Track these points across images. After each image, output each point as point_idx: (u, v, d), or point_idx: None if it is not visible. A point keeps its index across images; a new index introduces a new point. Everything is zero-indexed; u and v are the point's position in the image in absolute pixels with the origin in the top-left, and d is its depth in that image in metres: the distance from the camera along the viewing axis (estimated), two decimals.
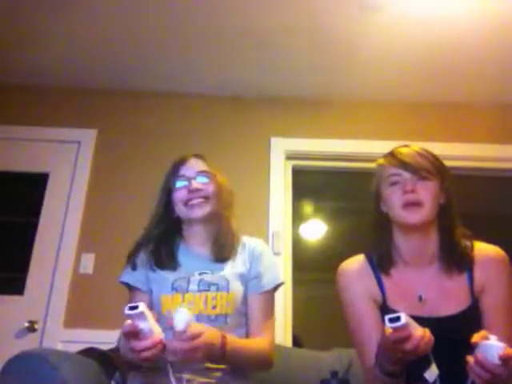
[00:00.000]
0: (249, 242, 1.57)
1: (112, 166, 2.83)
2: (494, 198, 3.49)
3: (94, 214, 2.71)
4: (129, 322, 1.11)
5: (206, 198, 1.52)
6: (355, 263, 1.43)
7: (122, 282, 1.52)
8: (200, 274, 1.46)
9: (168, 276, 1.46)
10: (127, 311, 1.10)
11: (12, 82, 2.94)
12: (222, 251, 1.50)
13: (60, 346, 2.31)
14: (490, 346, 0.99)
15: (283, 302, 2.52)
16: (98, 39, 2.62)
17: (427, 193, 1.32)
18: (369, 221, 1.45)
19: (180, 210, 1.53)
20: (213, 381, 1.31)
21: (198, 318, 1.37)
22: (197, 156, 1.61)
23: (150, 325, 1.12)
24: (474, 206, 2.70)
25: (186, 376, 1.26)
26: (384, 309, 1.33)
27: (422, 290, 1.32)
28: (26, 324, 2.44)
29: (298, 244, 3.22)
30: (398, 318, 1.00)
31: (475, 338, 1.01)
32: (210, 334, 1.19)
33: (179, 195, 1.53)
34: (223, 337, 1.25)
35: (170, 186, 1.57)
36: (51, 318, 2.46)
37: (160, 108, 3.00)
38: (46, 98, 2.97)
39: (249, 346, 1.38)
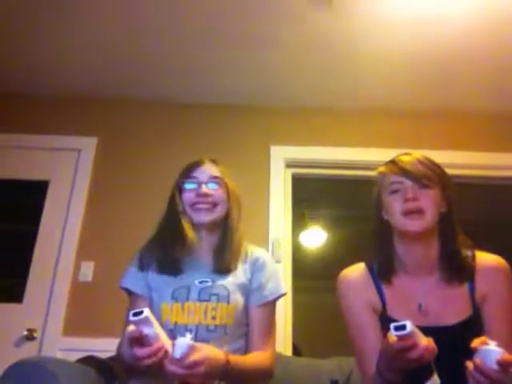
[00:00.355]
0: (251, 252, 1.55)
1: (112, 174, 2.83)
2: (494, 205, 3.49)
3: (94, 222, 2.70)
4: (132, 327, 1.10)
5: (214, 204, 1.51)
6: (355, 271, 1.43)
7: (122, 288, 1.51)
8: (201, 283, 1.45)
9: (168, 283, 1.45)
10: (132, 317, 1.09)
11: (12, 90, 2.95)
12: (225, 262, 1.48)
13: (59, 355, 2.30)
14: (488, 351, 0.99)
15: (283, 310, 2.51)
16: (98, 47, 2.63)
17: (429, 201, 1.31)
18: (369, 228, 1.44)
19: (188, 212, 1.52)
20: None
21: (198, 328, 1.37)
22: (212, 161, 1.59)
23: (154, 330, 1.11)
24: (473, 214, 2.70)
25: None
26: (384, 317, 1.32)
27: (423, 299, 1.31)
28: (25, 332, 2.43)
29: (297, 252, 3.22)
30: (403, 327, 1.00)
31: (475, 343, 1.01)
32: (212, 360, 1.17)
33: (187, 197, 1.52)
34: (227, 362, 1.23)
35: (180, 186, 1.55)
36: (50, 326, 2.45)
37: (160, 116, 3.01)
38: (46, 106, 2.98)
39: (251, 364, 1.36)
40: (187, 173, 1.56)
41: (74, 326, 2.46)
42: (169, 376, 1.11)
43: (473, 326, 1.25)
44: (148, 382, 1.31)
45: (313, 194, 3.56)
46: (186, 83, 2.90)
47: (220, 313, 1.40)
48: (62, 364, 1.37)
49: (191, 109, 3.01)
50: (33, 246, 2.64)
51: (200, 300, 1.41)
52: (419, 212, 1.31)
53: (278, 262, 2.57)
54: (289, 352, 2.49)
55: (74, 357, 1.56)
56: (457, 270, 1.31)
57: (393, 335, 1.02)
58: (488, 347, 0.99)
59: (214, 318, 1.39)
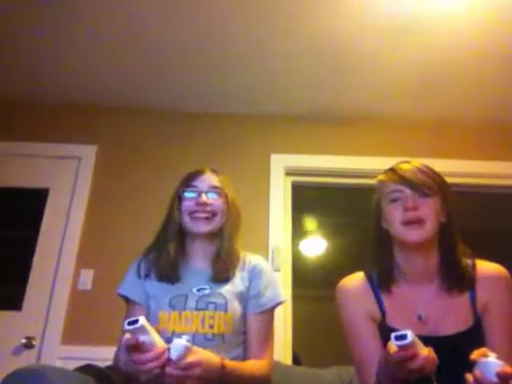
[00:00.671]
0: (249, 260, 1.55)
1: (112, 182, 2.83)
2: (494, 214, 3.49)
3: (94, 230, 2.70)
4: (128, 335, 1.10)
5: (213, 214, 1.51)
6: (354, 280, 1.42)
7: (120, 295, 1.51)
8: (198, 291, 1.44)
9: (165, 291, 1.45)
10: (126, 327, 1.09)
11: (12, 98, 2.96)
12: (223, 272, 1.48)
13: (58, 363, 2.28)
14: (488, 363, 0.98)
15: (283, 318, 2.50)
16: (98, 56, 2.64)
17: (428, 210, 1.30)
18: (369, 237, 1.43)
19: (185, 222, 1.52)
20: None
21: (195, 336, 1.36)
22: (213, 171, 1.60)
23: (151, 337, 1.11)
24: (473, 223, 2.70)
25: None
26: (383, 327, 1.32)
27: (422, 308, 1.31)
28: (24, 340, 2.42)
29: (297, 260, 3.21)
30: (404, 336, 0.99)
31: (474, 354, 1.01)
32: (207, 363, 1.17)
33: (186, 205, 1.52)
34: (222, 366, 1.23)
35: (180, 194, 1.55)
36: (49, 335, 2.44)
37: (160, 125, 3.01)
38: (46, 113, 2.99)
39: (248, 371, 1.35)
40: (187, 181, 1.56)
41: (73, 334, 2.45)
42: (165, 378, 1.11)
43: (473, 336, 1.25)
44: None
45: (313, 202, 3.56)
46: (187, 91, 2.90)
47: (218, 321, 1.39)
48: (60, 372, 1.36)
49: (192, 117, 3.02)
50: (32, 253, 2.64)
51: (197, 308, 1.41)
52: (419, 222, 1.30)
53: (277, 270, 2.57)
54: (288, 361, 2.48)
55: (72, 365, 1.55)
56: (457, 279, 1.30)
57: (393, 345, 1.01)
58: (488, 359, 0.98)
59: (211, 326, 1.39)
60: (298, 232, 3.18)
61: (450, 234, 1.34)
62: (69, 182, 2.81)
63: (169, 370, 1.10)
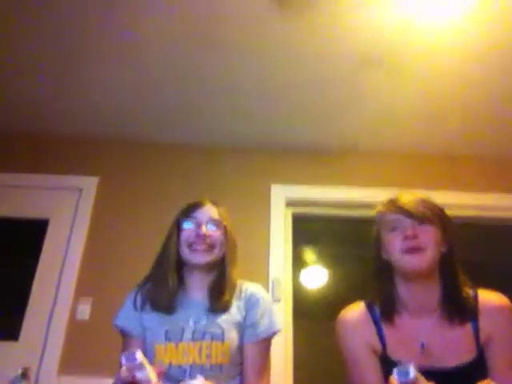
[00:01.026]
0: (245, 288, 1.55)
1: (112, 214, 2.84)
2: (495, 246, 3.48)
3: (93, 261, 2.69)
4: (124, 370, 1.10)
5: (212, 246, 1.51)
6: (355, 311, 1.42)
7: (116, 326, 1.50)
8: (194, 322, 1.44)
9: (161, 323, 1.44)
10: (124, 362, 1.09)
11: (14, 130, 2.99)
12: (220, 303, 1.47)
13: None
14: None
15: (283, 351, 2.46)
16: (100, 89, 2.68)
17: (428, 237, 1.31)
18: (370, 269, 1.43)
19: (183, 253, 1.52)
20: None
21: (192, 367, 1.35)
22: (213, 203, 1.60)
23: (147, 373, 1.10)
24: (474, 255, 2.69)
25: None
26: (384, 358, 1.31)
27: (425, 339, 1.29)
28: (20, 370, 2.37)
29: (298, 291, 3.18)
30: (406, 372, 0.98)
31: None
32: None
33: (185, 236, 1.52)
34: None
35: (179, 224, 1.56)
36: (46, 365, 2.40)
37: (162, 158, 3.03)
38: (48, 145, 3.01)
39: None
40: (187, 212, 1.57)
41: (71, 364, 2.41)
42: None
43: (477, 367, 1.23)
44: None
45: (314, 233, 3.55)
46: (186, 125, 2.94)
47: (215, 351, 1.38)
48: None
49: (192, 150, 3.04)
50: (31, 283, 2.62)
51: (194, 339, 1.40)
52: (419, 249, 1.30)
53: (277, 301, 2.55)
54: None
55: None
56: (459, 310, 1.30)
57: (395, 380, 1.00)
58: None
59: (208, 356, 1.37)
60: (298, 263, 3.16)
61: (451, 264, 1.34)
62: (69, 213, 2.82)
63: None
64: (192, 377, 1.16)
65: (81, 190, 2.89)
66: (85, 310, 2.54)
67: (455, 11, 2.12)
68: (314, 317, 3.98)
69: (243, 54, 2.40)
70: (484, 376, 1.15)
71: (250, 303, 1.50)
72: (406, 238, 1.30)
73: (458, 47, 2.31)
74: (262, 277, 2.61)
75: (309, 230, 3.34)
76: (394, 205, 1.38)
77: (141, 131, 3.01)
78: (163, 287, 1.48)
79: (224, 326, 1.43)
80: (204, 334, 1.41)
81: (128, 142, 3.05)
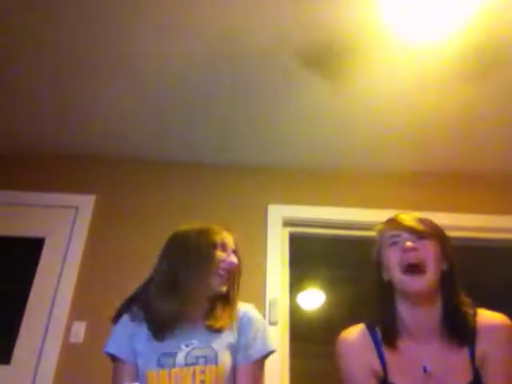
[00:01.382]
0: (238, 309, 1.52)
1: (109, 232, 2.81)
2: (497, 268, 3.46)
3: (88, 282, 2.65)
4: None
5: (231, 273, 1.52)
6: (355, 333, 1.40)
7: (107, 353, 1.47)
8: (187, 346, 1.40)
9: (154, 349, 1.40)
10: None
11: (10, 148, 2.98)
12: (217, 326, 1.44)
13: None
14: None
15: (280, 375, 2.42)
16: (96, 108, 2.69)
17: (427, 252, 1.31)
18: (371, 291, 1.42)
19: (214, 274, 1.49)
20: None
21: None
22: (231, 231, 1.61)
23: None
24: (474, 277, 2.67)
25: None
26: (384, 382, 1.28)
27: (427, 364, 1.27)
28: None
29: (295, 313, 3.14)
30: None
31: None
32: None
33: (221, 259, 1.49)
34: None
35: (212, 242, 1.52)
36: None
37: (159, 176, 3.03)
38: (44, 163, 3.00)
39: None
40: (219, 236, 1.55)
41: None
42: None
43: None
44: None
45: (311, 254, 3.53)
46: (183, 144, 2.94)
47: (209, 376, 1.35)
48: None
49: (190, 168, 3.04)
50: (24, 304, 2.58)
51: (187, 364, 1.37)
52: (419, 268, 1.29)
53: (274, 323, 2.51)
54: None
55: None
56: (458, 334, 1.28)
57: None
58: None
59: (202, 381, 1.34)
60: (295, 284, 3.13)
61: (451, 283, 1.34)
62: (65, 232, 2.79)
63: None
64: None
65: (77, 208, 2.86)
66: (79, 333, 2.49)
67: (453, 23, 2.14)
68: (311, 339, 3.92)
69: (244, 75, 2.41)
70: None
71: (243, 324, 1.48)
72: (404, 250, 1.31)
73: (456, 66, 2.33)
74: (259, 298, 2.58)
75: (306, 250, 3.31)
76: (392, 222, 1.40)
77: (138, 149, 3.00)
78: (158, 313, 1.46)
79: (216, 348, 1.40)
80: (197, 358, 1.38)
81: (125, 160, 3.04)
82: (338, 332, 1.43)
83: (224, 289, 1.49)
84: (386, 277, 1.37)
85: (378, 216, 2.78)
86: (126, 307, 1.53)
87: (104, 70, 2.44)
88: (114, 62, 2.38)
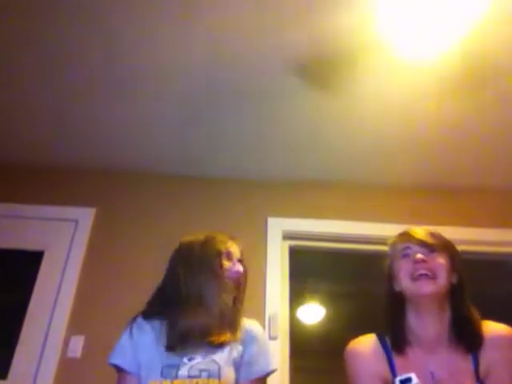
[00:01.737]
0: (243, 325, 1.52)
1: (108, 245, 2.80)
2: (498, 281, 3.44)
3: (87, 295, 2.63)
4: None
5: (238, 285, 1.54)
6: (366, 342, 1.43)
7: (111, 364, 1.47)
8: (190, 360, 1.40)
9: (158, 359, 1.41)
10: None
11: (10, 161, 2.98)
12: (220, 341, 1.44)
13: None
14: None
15: None
16: (96, 121, 2.69)
17: (438, 264, 1.36)
18: (381, 302, 1.46)
19: (226, 279, 1.52)
20: None
21: None
22: (237, 242, 1.63)
23: None
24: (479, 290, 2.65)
25: None
26: None
27: (435, 372, 1.29)
28: None
29: (295, 328, 3.12)
30: (409, 379, 1.04)
31: None
32: None
33: (231, 271, 1.53)
34: None
35: (218, 251, 1.55)
36: None
37: (159, 189, 3.02)
38: (44, 175, 3.00)
39: None
40: (225, 245, 1.58)
41: None
42: None
43: None
44: None
45: (311, 267, 3.51)
46: (185, 157, 2.94)
47: None
48: None
49: (190, 181, 3.03)
50: (23, 318, 2.56)
51: (190, 376, 1.36)
52: (429, 275, 1.34)
53: (274, 338, 2.48)
54: None
55: None
56: (467, 339, 1.32)
57: None
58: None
59: None
60: (296, 298, 3.11)
61: (460, 294, 1.38)
62: (64, 245, 2.78)
63: None
64: None
65: (77, 222, 2.85)
66: (76, 348, 2.47)
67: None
68: (312, 356, 3.89)
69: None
70: None
71: (246, 340, 1.48)
72: (416, 262, 1.36)
73: (453, 79, 2.33)
74: (258, 312, 2.55)
75: (306, 263, 3.30)
76: (405, 235, 1.46)
77: (138, 162, 3.00)
78: (165, 326, 1.47)
79: (220, 362, 1.40)
80: (200, 372, 1.37)
81: (124, 173, 3.04)
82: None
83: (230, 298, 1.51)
84: (396, 288, 1.42)
85: (378, 229, 2.83)
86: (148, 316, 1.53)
87: (104, 84, 2.45)
88: (114, 75, 2.39)
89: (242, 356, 1.45)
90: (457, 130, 2.64)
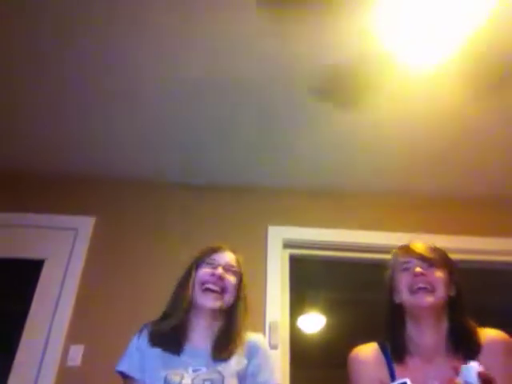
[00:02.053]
0: (247, 337, 1.54)
1: (108, 254, 2.79)
2: (497, 290, 3.43)
3: (86, 304, 2.62)
4: None
5: (224, 290, 1.54)
6: (368, 350, 1.48)
7: (119, 371, 1.49)
8: (194, 371, 1.41)
9: (162, 367, 1.42)
10: None
11: (9, 169, 2.98)
12: (223, 353, 1.46)
13: None
14: (469, 368, 1.08)
15: None
16: (97, 128, 2.70)
17: (436, 278, 1.42)
18: (382, 312, 1.52)
19: (195, 294, 1.54)
20: None
21: None
22: (232, 250, 1.66)
23: None
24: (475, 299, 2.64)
25: None
26: None
27: (433, 378, 1.31)
28: None
29: (296, 337, 3.10)
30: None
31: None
32: None
33: (201, 275, 1.55)
34: None
35: (197, 265, 1.60)
36: None
37: (159, 198, 3.02)
38: (44, 184, 3.00)
39: None
40: (205, 255, 1.61)
41: None
42: None
43: None
44: None
45: (312, 276, 3.51)
46: (186, 165, 2.95)
47: None
48: None
49: (190, 190, 3.03)
50: (22, 326, 2.54)
51: None
52: (428, 288, 1.40)
53: (274, 347, 2.47)
54: None
55: None
56: (464, 347, 1.36)
57: None
58: (469, 365, 1.08)
59: None
60: (296, 307, 3.10)
61: (459, 307, 1.44)
62: (64, 254, 2.77)
63: None
64: None
65: (76, 230, 2.85)
66: (76, 356, 2.46)
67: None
68: (313, 365, 3.87)
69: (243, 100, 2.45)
70: None
71: (251, 353, 1.50)
72: (415, 275, 1.43)
73: (458, 89, 2.34)
74: (259, 321, 2.54)
75: (307, 272, 3.29)
76: (405, 248, 1.53)
77: (139, 171, 3.01)
78: (174, 328, 1.49)
79: (224, 373, 1.41)
80: (204, 381, 1.39)
81: (125, 182, 3.03)
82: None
83: (217, 304, 1.51)
84: (397, 299, 1.48)
85: (379, 238, 2.83)
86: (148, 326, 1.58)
87: (105, 95, 2.46)
88: (116, 86, 2.41)
89: (246, 368, 1.46)
90: (467, 141, 2.65)
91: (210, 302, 1.51)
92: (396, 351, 1.42)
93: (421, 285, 1.41)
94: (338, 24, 2.01)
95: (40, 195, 2.97)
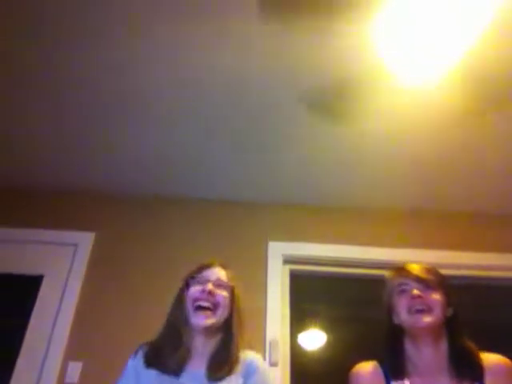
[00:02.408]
0: (244, 356, 1.52)
1: (108, 270, 2.78)
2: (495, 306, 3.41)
3: (85, 321, 2.60)
4: None
5: (216, 306, 1.52)
6: (369, 367, 1.49)
7: None
8: None
9: None
10: None
11: (9, 184, 2.99)
12: (219, 372, 1.44)
13: None
14: None
15: None
16: (96, 146, 2.71)
17: (433, 300, 1.44)
18: (381, 332, 1.54)
19: (189, 312, 1.53)
20: None
21: None
22: (222, 265, 1.65)
23: None
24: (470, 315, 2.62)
25: None
26: None
27: None
28: None
29: (297, 354, 3.07)
30: None
31: None
32: None
33: (192, 292, 1.55)
34: None
35: (188, 282, 1.59)
36: None
37: (158, 213, 3.01)
38: (43, 199, 3.00)
39: None
40: (197, 271, 1.61)
41: None
42: None
43: None
44: None
45: (312, 292, 3.48)
46: (187, 180, 2.95)
47: None
48: None
49: (190, 205, 3.03)
50: (20, 343, 2.52)
51: None
52: (425, 309, 1.42)
53: (274, 364, 2.45)
54: None
55: None
56: (468, 369, 1.36)
57: None
58: None
59: None
60: (296, 323, 3.08)
61: (456, 326, 1.46)
62: (64, 270, 2.76)
63: None
64: None
65: (76, 246, 2.84)
66: (74, 374, 2.43)
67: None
68: (313, 381, 3.82)
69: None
70: None
71: (248, 372, 1.48)
72: (412, 297, 1.44)
73: (453, 104, 2.35)
74: (258, 338, 2.52)
75: (307, 288, 3.27)
76: (402, 270, 1.55)
77: (138, 186, 3.01)
78: (170, 349, 1.47)
79: None
80: None
81: (124, 197, 3.04)
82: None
83: (209, 322, 1.50)
84: (395, 320, 1.50)
85: (380, 254, 2.82)
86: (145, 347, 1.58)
87: (105, 110, 2.47)
88: (117, 101, 2.41)
89: None
90: (460, 154, 2.65)
91: (202, 320, 1.50)
92: (394, 370, 1.44)
93: (418, 307, 1.43)
94: (333, 39, 2.02)
95: (39, 211, 2.96)
